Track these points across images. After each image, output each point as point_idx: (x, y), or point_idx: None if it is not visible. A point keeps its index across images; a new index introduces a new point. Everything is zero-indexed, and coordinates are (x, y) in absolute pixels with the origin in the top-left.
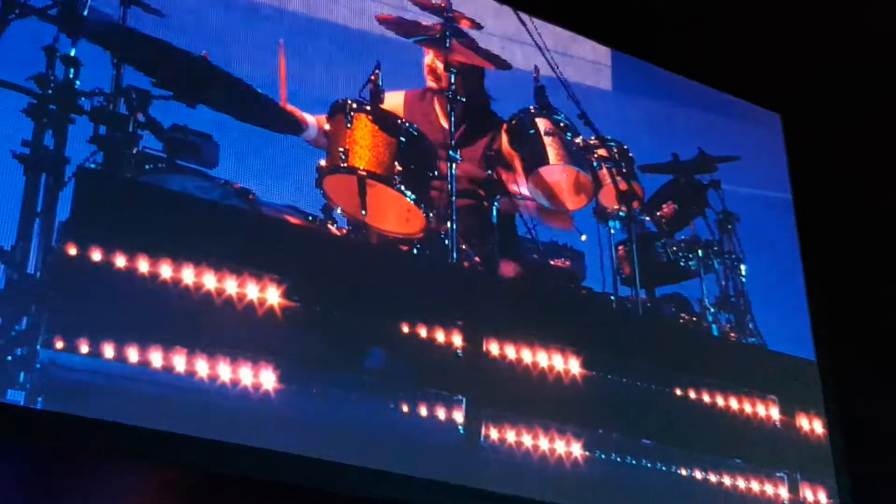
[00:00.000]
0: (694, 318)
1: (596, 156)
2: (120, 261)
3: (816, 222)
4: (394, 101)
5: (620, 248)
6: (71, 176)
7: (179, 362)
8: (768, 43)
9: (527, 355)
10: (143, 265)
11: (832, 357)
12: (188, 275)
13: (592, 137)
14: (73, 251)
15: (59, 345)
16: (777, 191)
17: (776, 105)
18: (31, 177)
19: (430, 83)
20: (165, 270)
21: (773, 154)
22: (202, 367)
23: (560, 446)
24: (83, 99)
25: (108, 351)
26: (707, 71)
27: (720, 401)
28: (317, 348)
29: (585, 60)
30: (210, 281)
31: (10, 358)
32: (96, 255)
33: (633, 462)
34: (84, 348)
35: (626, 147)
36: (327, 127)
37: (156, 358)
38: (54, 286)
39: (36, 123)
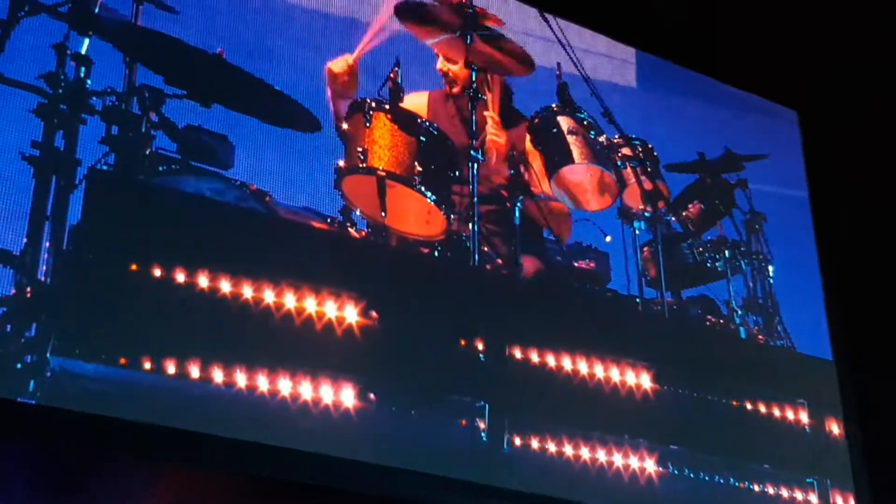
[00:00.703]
0: (721, 321)
1: (620, 155)
2: (132, 265)
3: (833, 220)
4: (416, 101)
5: (646, 249)
6: (82, 178)
7: (193, 370)
8: (785, 39)
9: (551, 360)
10: (157, 270)
11: (849, 357)
12: (203, 280)
13: (616, 136)
14: (84, 255)
15: (71, 352)
16: (795, 189)
17: (793, 101)
18: (41, 179)
19: (446, 86)
20: (179, 275)
21: (793, 152)
22: (193, 370)
23: (585, 453)
24: (94, 98)
25: (120, 358)
26: (724, 68)
27: (748, 405)
28: (334, 353)
29: (609, 57)
30: (225, 286)
31: (19, 366)
32: (108, 260)
33: (661, 469)
34: (96, 356)
35: (650, 146)
36: (345, 126)
37: (170, 366)
38: (65, 292)
39: (46, 124)
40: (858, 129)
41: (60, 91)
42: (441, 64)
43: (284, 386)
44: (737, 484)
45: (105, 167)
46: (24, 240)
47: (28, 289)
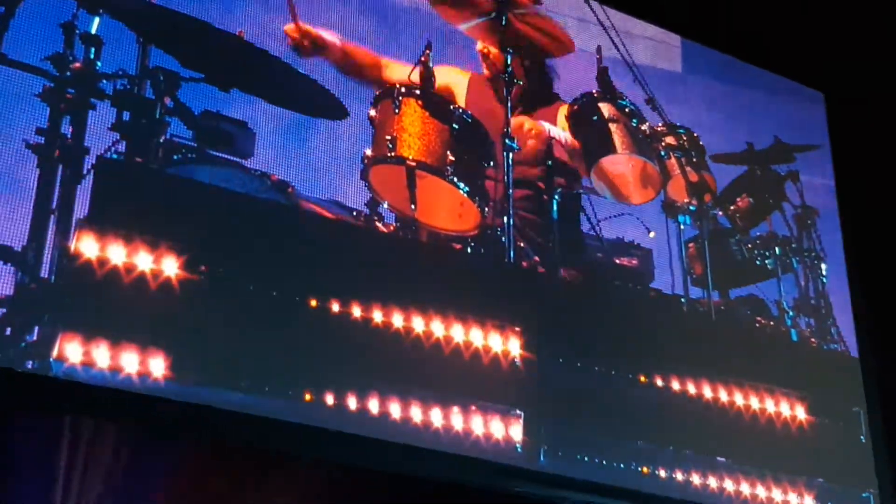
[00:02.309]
0: (771, 323)
1: (664, 144)
2: (144, 262)
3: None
4: (455, 79)
5: (691, 245)
6: (90, 167)
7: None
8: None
9: (591, 363)
10: (171, 266)
11: (876, 356)
12: (219, 276)
13: (660, 124)
14: (91, 251)
15: (75, 357)
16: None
17: (820, 83)
18: (46, 169)
19: (485, 69)
20: (194, 272)
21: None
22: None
23: (626, 464)
24: (105, 81)
25: (130, 364)
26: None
27: (801, 413)
28: (360, 355)
29: (652, 40)
30: (245, 287)
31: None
32: (117, 256)
33: (705, 482)
34: (103, 361)
35: (696, 134)
36: (372, 112)
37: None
38: (70, 291)
39: (52, 109)
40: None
41: (68, 74)
42: (481, 46)
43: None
44: (785, 497)
45: (115, 156)
46: (27, 234)
47: (31, 287)
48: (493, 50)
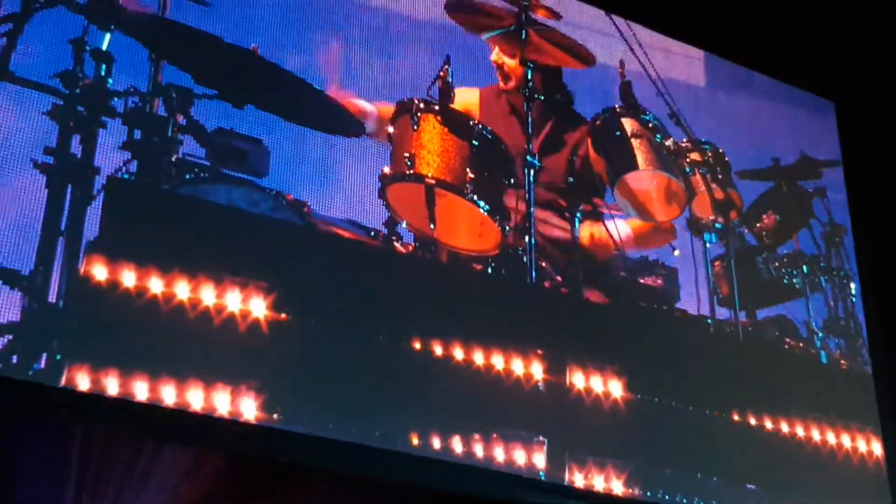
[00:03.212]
0: (801, 344)
1: (688, 160)
2: (156, 286)
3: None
4: (467, 97)
5: (717, 263)
6: (100, 188)
7: (222, 402)
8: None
9: (615, 388)
10: (183, 291)
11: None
12: (233, 300)
13: (684, 139)
14: (101, 275)
15: (83, 385)
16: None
17: (829, 92)
18: (55, 189)
19: (501, 82)
20: (208, 296)
21: None
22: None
23: (653, 491)
24: (116, 99)
25: (141, 391)
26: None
27: (831, 438)
28: (379, 379)
29: (675, 53)
30: (259, 307)
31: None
32: (129, 280)
33: None
34: (113, 389)
35: (721, 150)
36: (391, 129)
37: (195, 399)
38: (79, 317)
39: (61, 127)
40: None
41: (78, 91)
42: (496, 55)
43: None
44: None
45: (126, 175)
46: (35, 257)
47: (37, 313)
48: (509, 61)
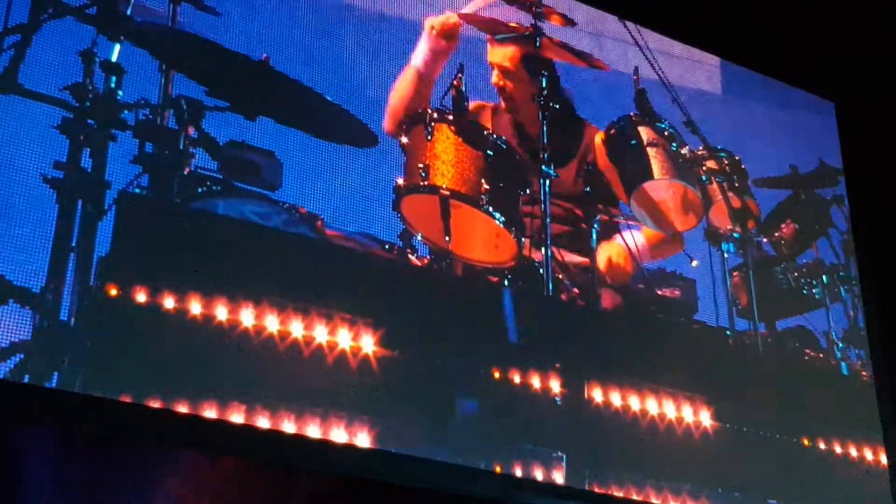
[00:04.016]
0: (821, 355)
1: (705, 168)
2: (169, 302)
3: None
4: (479, 110)
5: (735, 274)
6: (111, 203)
7: (237, 419)
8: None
9: (634, 402)
10: (196, 306)
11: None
12: (247, 317)
13: (700, 147)
14: (113, 291)
15: None
16: None
17: (830, 93)
18: (65, 204)
19: (503, 102)
20: (221, 312)
21: None
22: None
23: None
24: (126, 112)
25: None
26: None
27: (853, 451)
28: (395, 397)
29: (691, 60)
30: (272, 323)
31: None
32: (141, 296)
33: None
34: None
35: (738, 158)
36: (405, 140)
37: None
38: (92, 334)
39: (71, 141)
40: None
41: (87, 104)
42: (496, 78)
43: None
44: None
45: (137, 190)
46: (46, 274)
47: (49, 332)
48: (509, 83)
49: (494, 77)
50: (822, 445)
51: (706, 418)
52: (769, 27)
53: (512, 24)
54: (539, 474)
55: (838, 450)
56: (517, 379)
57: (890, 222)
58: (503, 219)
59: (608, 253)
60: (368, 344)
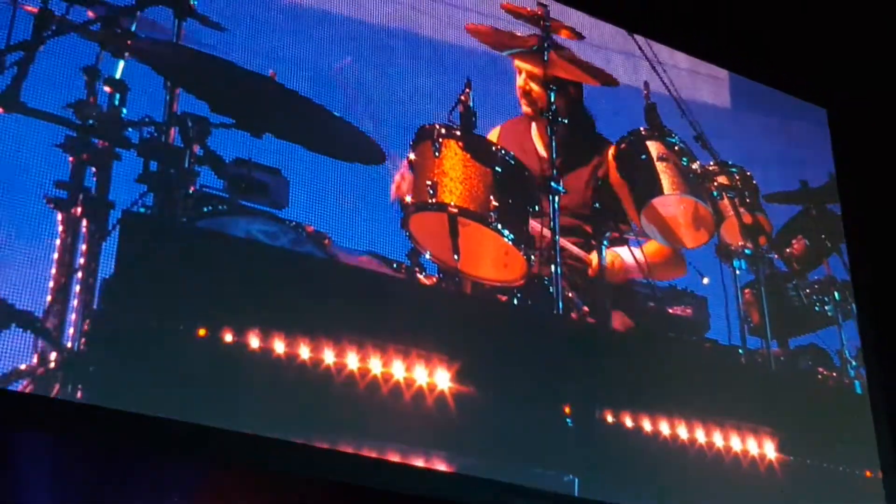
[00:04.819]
0: (834, 374)
1: (716, 184)
2: (176, 324)
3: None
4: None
5: (747, 291)
6: (116, 223)
7: None
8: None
9: (647, 424)
10: (202, 328)
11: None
12: (254, 340)
13: (711, 162)
14: (118, 315)
15: None
16: None
17: (822, 99)
18: (69, 225)
19: (525, 108)
20: (228, 334)
21: None
22: None
23: None
24: (130, 129)
25: None
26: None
27: (867, 473)
28: (406, 421)
29: (700, 74)
30: (279, 347)
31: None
32: (147, 320)
33: None
34: None
35: (749, 173)
36: (412, 156)
37: None
38: (97, 359)
39: (74, 160)
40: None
41: (91, 122)
42: (522, 81)
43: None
44: None
45: (142, 209)
46: (48, 298)
47: (53, 356)
48: (536, 87)
49: (521, 80)
50: (832, 466)
51: (718, 438)
52: (767, 32)
53: (519, 37)
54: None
55: (857, 473)
56: (527, 399)
57: (884, 229)
58: (512, 236)
59: (617, 258)
60: (376, 366)
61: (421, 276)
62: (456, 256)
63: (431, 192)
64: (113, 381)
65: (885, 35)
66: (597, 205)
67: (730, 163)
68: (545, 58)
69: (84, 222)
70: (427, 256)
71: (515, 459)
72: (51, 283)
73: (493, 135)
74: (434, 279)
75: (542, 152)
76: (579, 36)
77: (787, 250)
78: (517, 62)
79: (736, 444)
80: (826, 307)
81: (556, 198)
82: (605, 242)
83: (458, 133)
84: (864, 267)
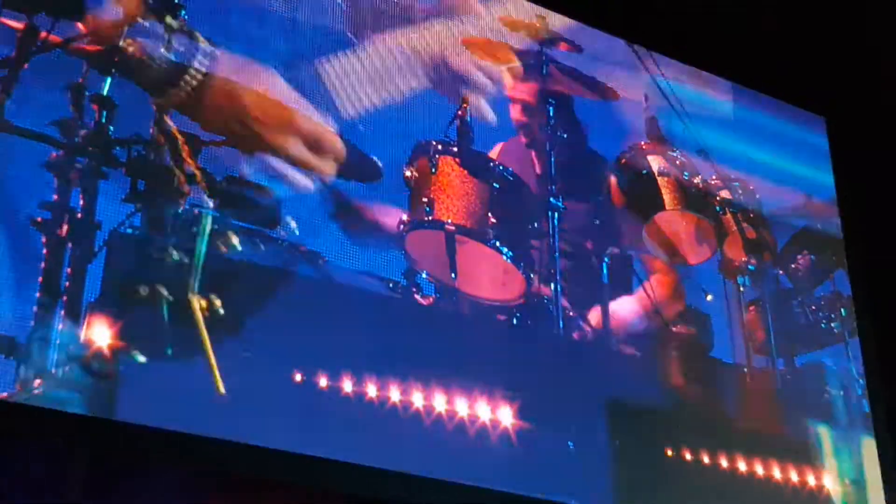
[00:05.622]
0: (841, 392)
1: (718, 198)
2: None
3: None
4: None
5: (751, 308)
6: (102, 245)
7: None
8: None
9: (650, 445)
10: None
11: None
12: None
13: (713, 176)
14: (103, 340)
15: None
16: None
17: (821, 108)
18: (53, 247)
19: (522, 137)
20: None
21: None
22: None
23: None
24: (118, 148)
25: None
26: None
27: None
28: (403, 441)
29: (702, 87)
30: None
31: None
32: (134, 345)
33: None
34: None
35: (752, 187)
36: (408, 172)
37: None
38: (82, 388)
39: (59, 180)
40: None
41: (77, 140)
42: (517, 113)
43: None
44: None
45: (130, 230)
46: (32, 323)
47: (36, 383)
48: (532, 102)
49: (515, 112)
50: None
51: (723, 460)
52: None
53: (516, 51)
54: None
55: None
56: (527, 422)
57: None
58: (511, 254)
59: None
60: (372, 390)
61: (417, 296)
62: (453, 275)
63: (428, 209)
64: (94, 408)
65: (886, 42)
66: (597, 221)
67: (732, 176)
68: (544, 71)
69: (69, 244)
70: (424, 276)
71: (520, 485)
72: (34, 307)
73: (494, 153)
74: (431, 299)
75: (540, 167)
76: (578, 49)
77: (792, 266)
78: (512, 77)
79: (741, 466)
80: (832, 324)
81: (556, 214)
82: (605, 259)
83: (455, 149)
84: (864, 279)
